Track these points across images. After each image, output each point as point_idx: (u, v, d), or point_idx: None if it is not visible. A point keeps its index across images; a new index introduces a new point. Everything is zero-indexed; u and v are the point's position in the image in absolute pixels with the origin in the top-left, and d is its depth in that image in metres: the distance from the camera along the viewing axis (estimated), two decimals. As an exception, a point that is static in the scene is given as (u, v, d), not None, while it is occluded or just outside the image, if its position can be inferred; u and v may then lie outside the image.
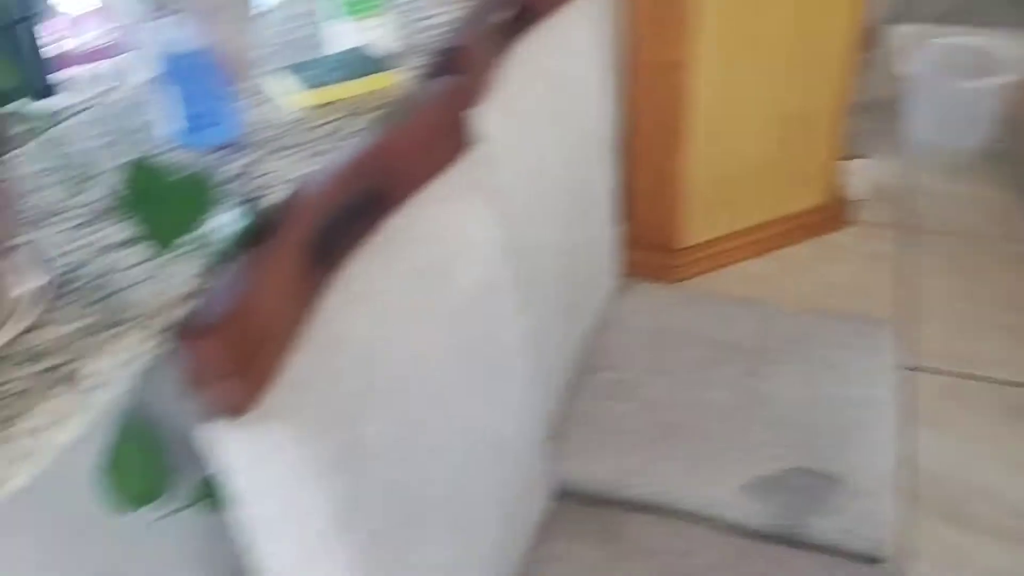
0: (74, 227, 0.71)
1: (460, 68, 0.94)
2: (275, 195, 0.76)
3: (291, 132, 0.86)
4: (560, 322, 1.15)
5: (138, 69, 0.78)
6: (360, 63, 0.95)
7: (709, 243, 2.07)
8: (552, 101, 1.13)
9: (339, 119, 0.89)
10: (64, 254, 0.68)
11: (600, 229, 1.33)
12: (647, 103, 1.89)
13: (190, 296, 0.64)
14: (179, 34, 0.78)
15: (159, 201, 0.60)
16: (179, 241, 0.61)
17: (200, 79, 0.81)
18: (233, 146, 0.84)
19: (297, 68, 0.94)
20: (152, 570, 0.77)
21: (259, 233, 0.67)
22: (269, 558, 0.68)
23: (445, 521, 0.82)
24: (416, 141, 0.84)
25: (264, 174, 0.79)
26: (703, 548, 1.01)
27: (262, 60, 1.01)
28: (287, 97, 0.93)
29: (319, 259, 0.71)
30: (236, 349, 0.58)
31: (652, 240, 2.03)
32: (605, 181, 1.33)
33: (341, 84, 0.92)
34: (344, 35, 1.00)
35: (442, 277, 0.83)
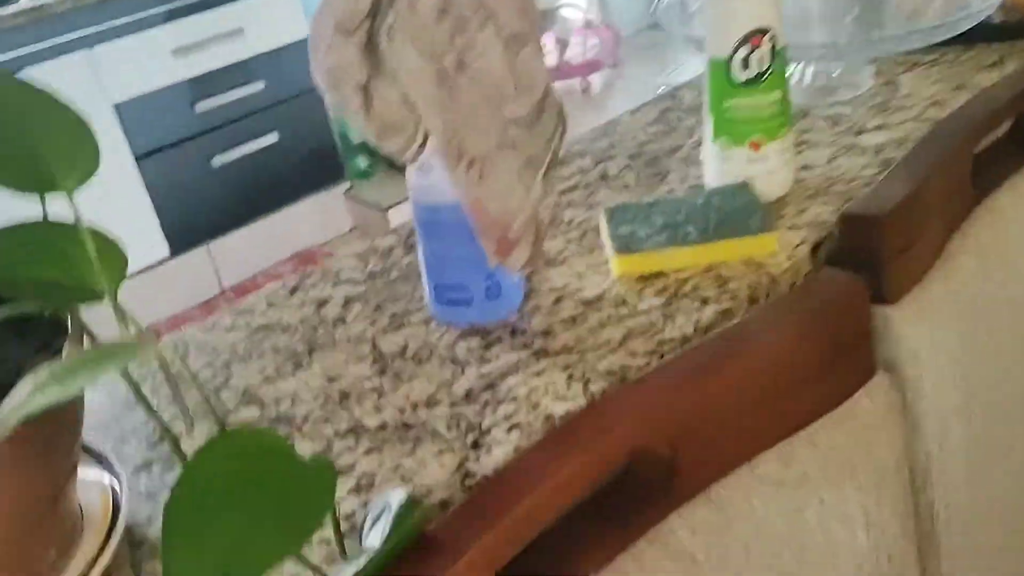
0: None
1: (884, 243, 0.58)
2: (495, 451, 0.50)
3: (584, 321, 0.59)
4: None
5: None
6: (722, 214, 0.64)
7: None
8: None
9: (665, 306, 0.59)
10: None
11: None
12: None
13: None
14: (429, 180, 0.56)
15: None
16: None
17: (451, 242, 0.57)
18: (488, 334, 0.59)
19: (624, 213, 0.66)
20: None
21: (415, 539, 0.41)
22: None
23: None
24: (781, 369, 0.52)
25: (508, 399, 0.53)
26: None
27: (569, 200, 0.74)
28: (607, 258, 0.65)
29: None
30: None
31: None
32: None
33: (683, 247, 0.62)
34: (715, 164, 0.69)
35: None
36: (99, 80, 2.25)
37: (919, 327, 0.59)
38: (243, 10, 2.44)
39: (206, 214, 2.52)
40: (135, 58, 2.30)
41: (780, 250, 0.62)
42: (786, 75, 0.66)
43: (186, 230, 2.49)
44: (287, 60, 2.54)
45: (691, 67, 1.95)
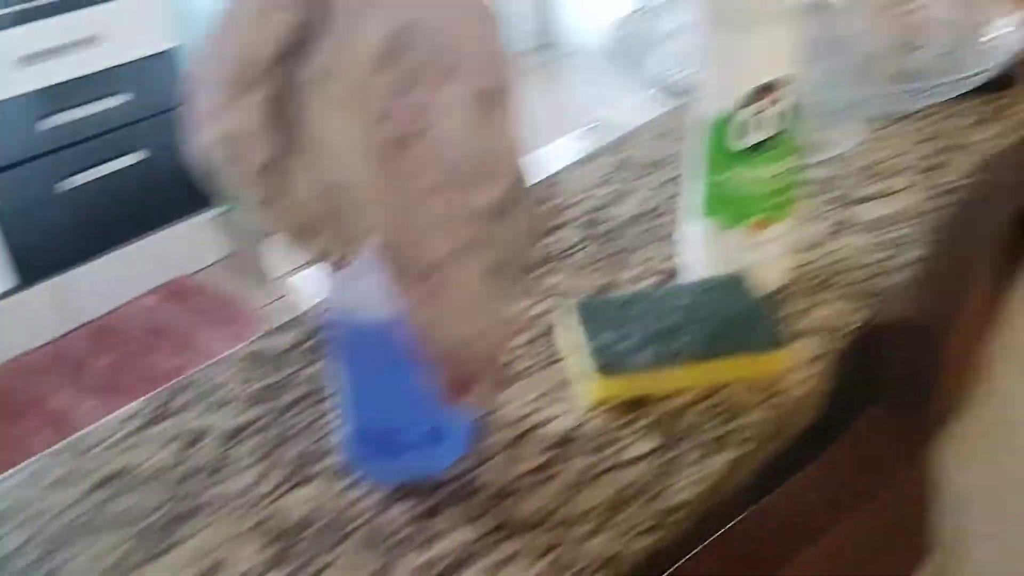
0: None
1: (938, 362, 0.46)
2: None
3: (557, 474, 0.44)
4: None
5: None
6: (720, 319, 0.50)
7: None
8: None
9: (661, 451, 0.45)
10: None
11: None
12: None
13: None
14: (356, 290, 0.40)
15: None
16: None
17: (382, 371, 0.41)
18: (429, 495, 0.43)
19: (600, 313, 0.51)
20: None
21: None
22: None
23: None
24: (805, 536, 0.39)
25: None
26: None
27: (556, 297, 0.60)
28: (571, 376, 0.50)
29: None
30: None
31: None
32: None
33: (676, 367, 0.48)
34: (699, 248, 0.55)
35: None
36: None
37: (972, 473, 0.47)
38: (105, 15, 2.18)
39: (57, 242, 2.24)
40: (-28, 65, 2.02)
41: (792, 366, 0.49)
42: (798, 138, 0.53)
43: (35, 259, 2.21)
44: (155, 71, 2.29)
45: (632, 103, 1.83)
